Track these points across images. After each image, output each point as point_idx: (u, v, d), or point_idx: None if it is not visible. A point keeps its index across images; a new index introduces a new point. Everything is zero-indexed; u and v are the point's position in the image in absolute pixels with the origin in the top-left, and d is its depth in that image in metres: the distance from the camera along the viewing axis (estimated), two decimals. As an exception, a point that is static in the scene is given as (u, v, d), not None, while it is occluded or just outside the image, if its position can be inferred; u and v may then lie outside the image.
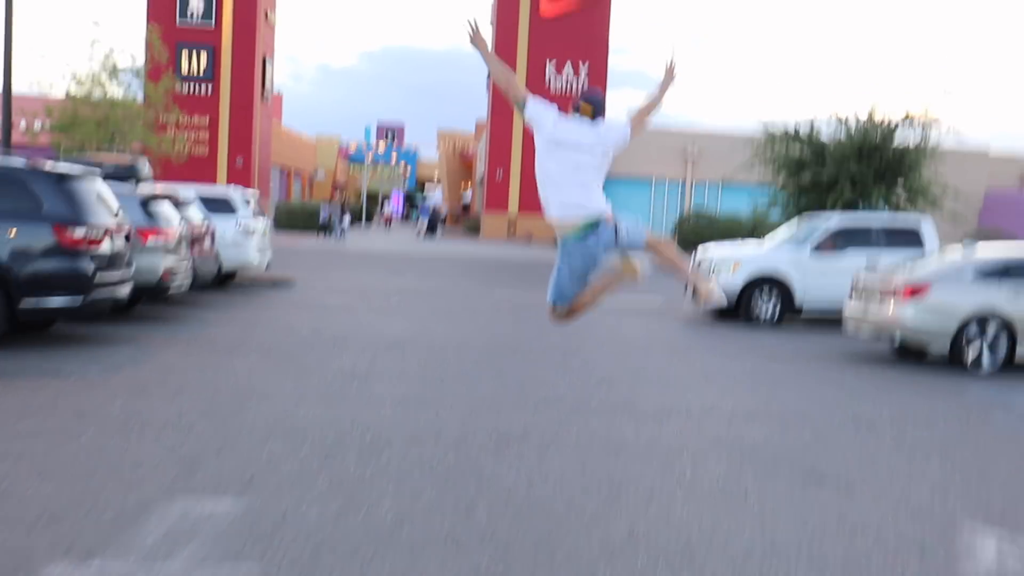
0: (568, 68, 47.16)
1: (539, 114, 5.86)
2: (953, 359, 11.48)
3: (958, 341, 11.45)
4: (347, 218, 43.69)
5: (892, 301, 11.71)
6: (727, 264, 16.05)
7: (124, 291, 10.54)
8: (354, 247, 35.97)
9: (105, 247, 9.98)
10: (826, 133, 20.10)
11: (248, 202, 18.12)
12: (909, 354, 12.54)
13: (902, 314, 11.58)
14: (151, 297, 12.59)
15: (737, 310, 15.88)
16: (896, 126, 19.82)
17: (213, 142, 48.62)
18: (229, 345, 10.72)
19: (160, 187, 17.40)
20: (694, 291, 6.84)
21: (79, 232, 9.62)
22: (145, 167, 15.28)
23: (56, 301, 9.63)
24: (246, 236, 17.43)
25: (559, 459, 6.37)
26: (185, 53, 47.73)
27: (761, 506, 5.48)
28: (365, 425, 6.95)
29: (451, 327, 13.50)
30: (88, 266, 9.66)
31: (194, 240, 14.75)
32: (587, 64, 47.05)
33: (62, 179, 9.97)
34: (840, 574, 4.43)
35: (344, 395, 8.14)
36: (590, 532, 4.86)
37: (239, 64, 48.83)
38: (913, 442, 7.61)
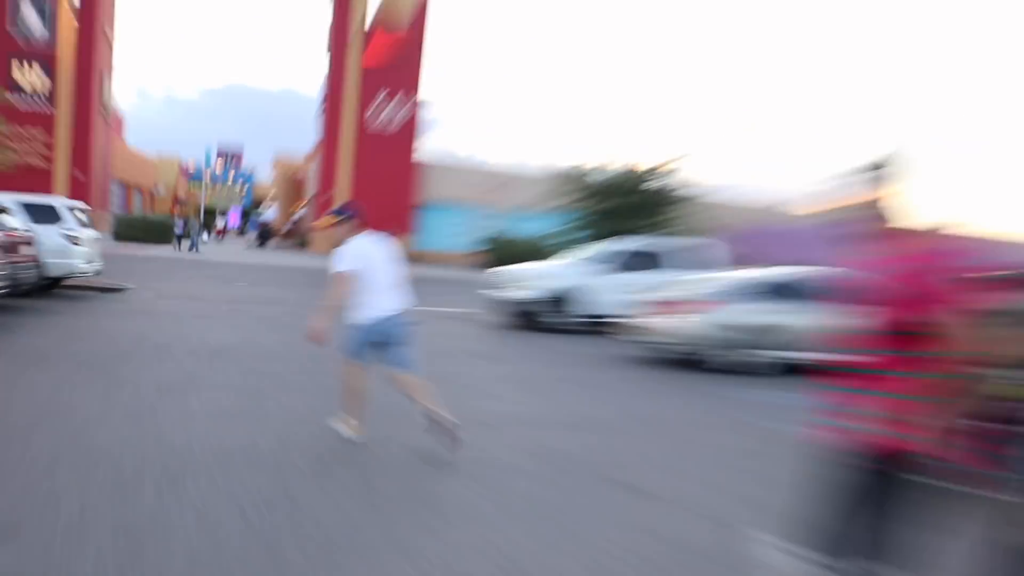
0: (389, 110, 45.90)
1: None
2: (734, 368, 11.16)
3: (737, 352, 11.15)
4: (203, 231, 40.47)
5: (681, 315, 11.29)
6: (534, 279, 15.35)
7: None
8: (191, 258, 33.03)
9: None
10: (596, 176, 20.68)
11: (74, 211, 15.72)
12: (689, 363, 12.20)
13: (689, 327, 11.17)
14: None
15: (537, 321, 15.26)
16: (642, 175, 20.54)
17: (52, 158, 43.75)
18: (38, 355, 8.82)
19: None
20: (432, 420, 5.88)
21: None
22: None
23: None
24: (71, 244, 15.11)
25: (381, 478, 5.21)
26: (18, 68, 42.43)
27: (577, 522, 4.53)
28: (172, 446, 5.52)
29: (276, 335, 11.97)
30: None
31: (11, 247, 12.55)
32: (405, 105, 45.86)
33: None
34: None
35: (154, 411, 6.60)
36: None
37: (79, 80, 44.16)
38: (702, 446, 6.95)
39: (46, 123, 43.19)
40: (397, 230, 43.92)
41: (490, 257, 39.81)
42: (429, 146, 47.94)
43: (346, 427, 6.10)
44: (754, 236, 40.24)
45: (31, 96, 42.74)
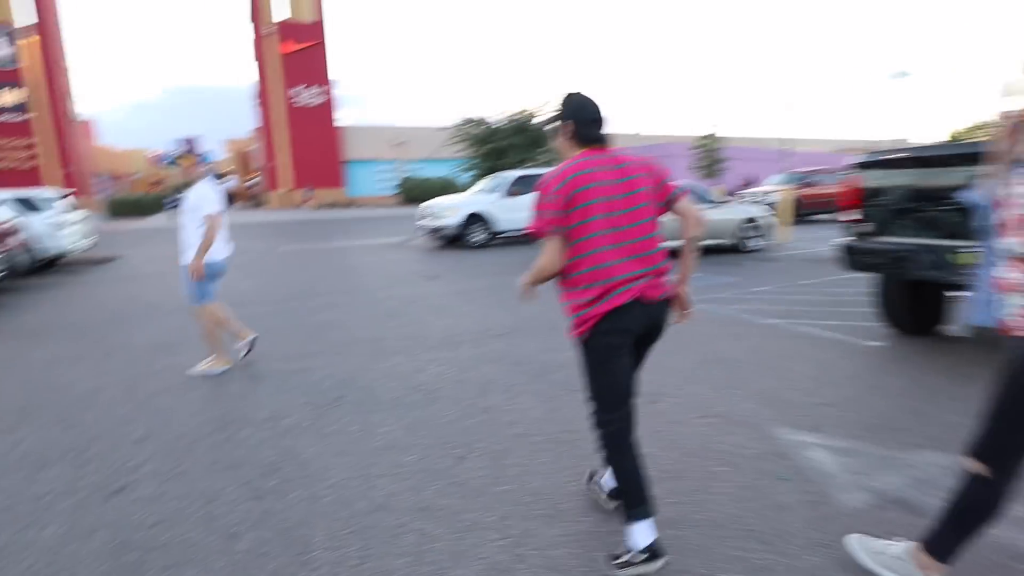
0: (308, 90, 41.81)
1: None
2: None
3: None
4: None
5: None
6: (449, 209, 13.88)
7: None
8: (166, 224, 29.34)
9: None
10: (495, 121, 18.61)
11: (60, 198, 13.04)
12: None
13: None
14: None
15: (460, 239, 13.93)
16: (532, 115, 18.71)
17: (37, 159, 38.06)
18: (34, 329, 6.93)
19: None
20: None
21: None
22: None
23: None
24: (58, 227, 12.54)
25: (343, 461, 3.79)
26: (-1, 91, 36.56)
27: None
28: (166, 417, 4.08)
29: (249, 280, 10.22)
30: None
31: (2, 236, 10.16)
32: (320, 88, 41.84)
33: None
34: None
35: (148, 375, 5.05)
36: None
37: (49, 97, 38.31)
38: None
39: (26, 132, 37.35)
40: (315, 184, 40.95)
41: (405, 197, 37.83)
42: (347, 113, 44.35)
43: (216, 363, 4.94)
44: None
45: (10, 111, 36.90)
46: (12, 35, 36.49)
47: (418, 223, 14.44)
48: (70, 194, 13.49)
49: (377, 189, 43.58)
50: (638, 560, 2.13)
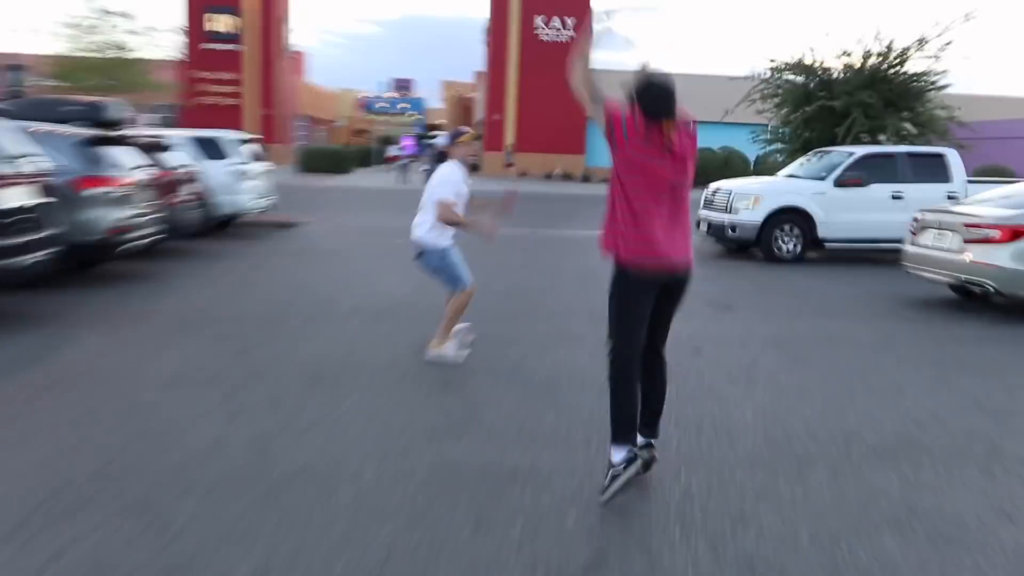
0: (556, 22, 42.34)
1: None
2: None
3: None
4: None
5: (983, 243, 7.85)
6: (748, 198, 12.05)
7: (26, 261, 6.57)
8: (368, 183, 31.53)
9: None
10: (832, 65, 15.79)
11: (245, 145, 13.96)
12: (974, 298, 8.82)
13: (995, 258, 7.73)
14: (96, 258, 8.68)
15: (758, 244, 12.04)
16: (907, 53, 15.46)
17: (241, 96, 44.07)
18: (180, 322, 6.82)
19: (142, 131, 13.45)
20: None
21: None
22: (115, 109, 11.19)
23: None
24: (238, 180, 13.37)
25: None
26: (212, 18, 42.94)
27: None
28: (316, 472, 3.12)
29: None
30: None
31: (168, 186, 10.83)
32: (572, 19, 42.09)
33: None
34: None
35: (287, 427, 4.27)
36: None
37: (262, 26, 44.07)
38: None
39: (236, 66, 43.37)
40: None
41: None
42: (600, 57, 44.35)
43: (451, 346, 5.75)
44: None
45: (223, 43, 43.10)
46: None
47: (700, 214, 12.82)
48: (257, 139, 14.39)
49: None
50: (619, 472, 3.47)
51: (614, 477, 3.45)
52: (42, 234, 6.73)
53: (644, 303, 3.51)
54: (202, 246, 11.89)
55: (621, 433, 3.51)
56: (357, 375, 5.27)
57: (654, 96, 3.35)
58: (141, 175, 9.22)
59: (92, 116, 10.59)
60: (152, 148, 10.97)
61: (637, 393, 3.55)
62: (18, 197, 6.46)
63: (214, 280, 9.06)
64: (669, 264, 3.44)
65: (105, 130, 10.27)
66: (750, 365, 5.84)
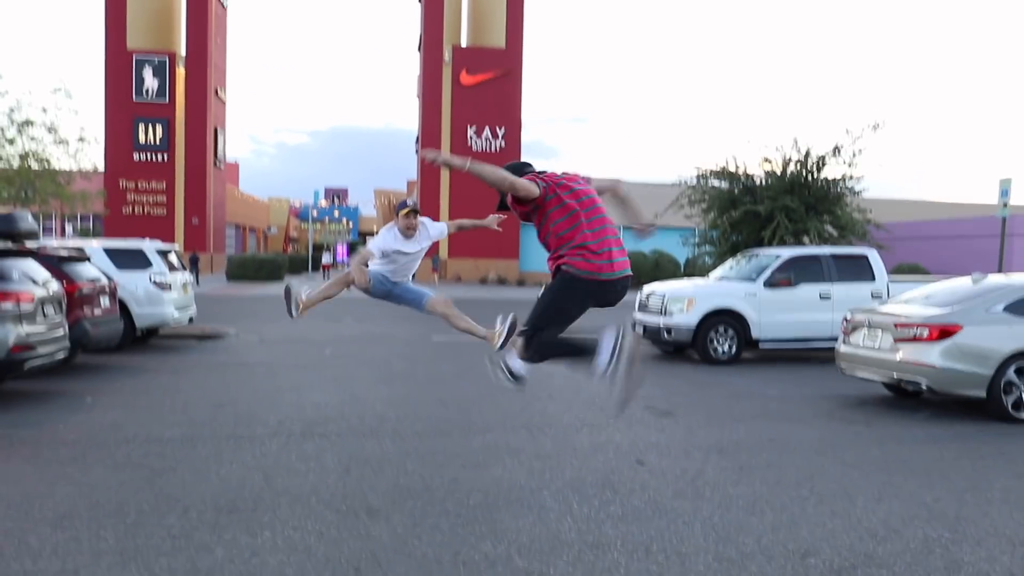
0: (487, 132, 43.42)
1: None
2: (991, 404, 7.75)
3: (995, 386, 7.71)
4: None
5: (912, 342, 7.93)
6: (682, 300, 12.10)
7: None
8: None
9: None
10: (754, 171, 16.36)
11: (164, 255, 13.47)
12: (908, 395, 8.87)
13: (926, 357, 7.80)
14: (0, 376, 8.04)
15: (694, 346, 12.02)
16: (824, 160, 16.18)
17: (171, 204, 43.50)
18: (84, 446, 6.22)
19: (60, 243, 12.95)
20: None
21: None
22: (26, 221, 10.68)
23: None
24: (161, 291, 12.84)
25: None
26: (142, 126, 42.70)
27: None
28: None
29: (385, 389, 9.21)
30: None
31: (89, 298, 10.31)
32: (503, 129, 43.30)
33: None
34: None
35: (194, 550, 3.79)
36: None
37: (192, 136, 44.00)
38: None
39: (167, 176, 42.96)
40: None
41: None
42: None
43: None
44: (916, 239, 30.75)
45: (153, 153, 42.78)
46: (164, 66, 42.76)
47: (635, 317, 12.82)
48: (176, 250, 13.93)
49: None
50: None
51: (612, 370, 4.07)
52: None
53: (579, 311, 4.20)
54: (120, 360, 11.26)
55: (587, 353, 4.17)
56: (275, 504, 4.82)
57: (519, 165, 4.40)
58: (51, 288, 8.71)
59: (4, 228, 10.07)
60: (69, 260, 10.50)
61: (566, 341, 4.27)
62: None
63: (128, 397, 8.46)
64: (618, 273, 4.16)
65: (16, 242, 9.82)
66: (696, 476, 5.59)
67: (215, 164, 46.38)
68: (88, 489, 5.06)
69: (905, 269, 22.35)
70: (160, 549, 4.03)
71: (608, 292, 4.18)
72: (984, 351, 7.70)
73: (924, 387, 7.86)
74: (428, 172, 43.55)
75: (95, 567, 3.81)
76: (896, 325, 8.09)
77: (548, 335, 4.21)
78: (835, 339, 11.75)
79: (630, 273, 4.25)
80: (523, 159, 4.37)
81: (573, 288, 4.13)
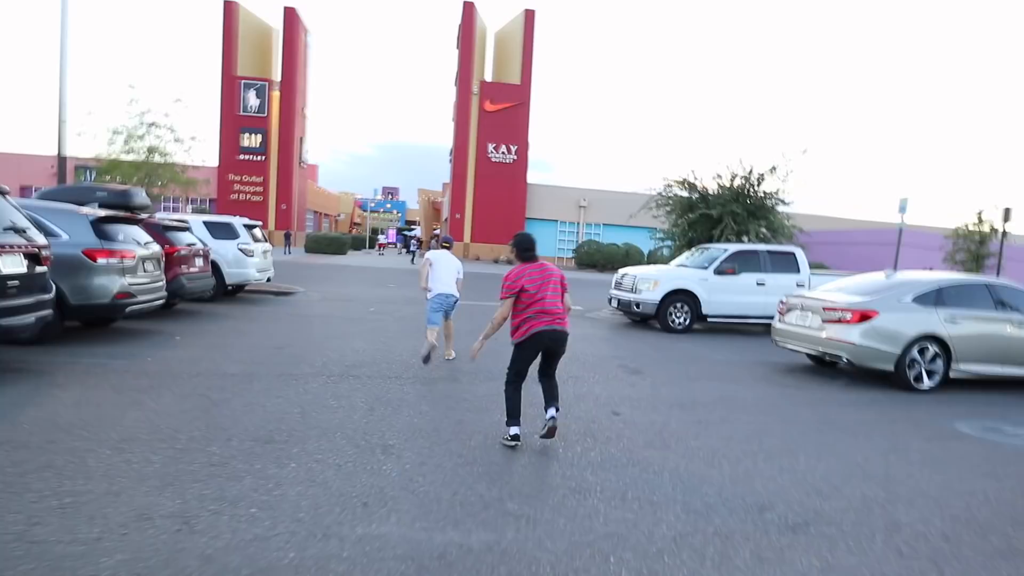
0: (503, 148, 42.45)
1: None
2: (897, 377, 7.05)
3: (901, 362, 7.00)
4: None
5: (837, 324, 7.20)
6: (649, 281, 11.38)
7: (27, 319, 5.34)
8: (358, 263, 30.25)
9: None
10: (708, 184, 15.64)
11: (249, 228, 12.80)
12: (826, 365, 8.16)
13: (848, 336, 7.08)
14: (106, 317, 7.40)
15: (656, 317, 11.31)
16: (763, 176, 15.41)
17: (265, 194, 42.93)
18: (159, 378, 5.59)
19: (168, 216, 12.28)
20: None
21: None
22: (138, 196, 10.00)
23: None
24: (245, 256, 12.18)
25: None
26: (245, 135, 42.00)
27: None
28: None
29: (410, 342, 8.54)
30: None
31: (188, 259, 9.66)
32: (515, 146, 42.29)
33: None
34: None
35: (217, 499, 3.15)
36: None
37: (283, 143, 43.36)
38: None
39: (262, 171, 42.27)
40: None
41: (579, 261, 36.24)
42: (534, 174, 44.43)
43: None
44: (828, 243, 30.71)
45: (253, 155, 42.12)
46: (264, 89, 41.97)
47: (611, 293, 12.09)
48: (258, 225, 13.25)
49: (555, 250, 42.94)
50: (510, 441, 4.14)
51: (504, 441, 4.18)
52: (33, 299, 5.51)
53: (531, 357, 4.29)
54: (211, 309, 10.63)
55: (511, 417, 4.17)
56: (305, 437, 4.16)
57: (523, 247, 4.48)
58: (152, 249, 8.03)
59: (122, 201, 9.45)
60: (173, 228, 9.85)
61: (519, 397, 4.22)
62: (12, 265, 5.26)
63: (209, 339, 7.81)
64: (558, 328, 4.29)
65: (132, 212, 9.17)
66: (662, 428, 4.91)
67: (299, 165, 45.69)
68: (153, 415, 4.43)
69: (815, 266, 21.54)
70: (196, 476, 3.39)
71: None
72: (894, 333, 6.98)
73: (844, 360, 7.15)
74: (458, 177, 42.72)
75: (135, 490, 3.17)
76: (824, 308, 7.36)
77: None
78: (768, 317, 11.14)
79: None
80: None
81: (519, 347, 4.35)
